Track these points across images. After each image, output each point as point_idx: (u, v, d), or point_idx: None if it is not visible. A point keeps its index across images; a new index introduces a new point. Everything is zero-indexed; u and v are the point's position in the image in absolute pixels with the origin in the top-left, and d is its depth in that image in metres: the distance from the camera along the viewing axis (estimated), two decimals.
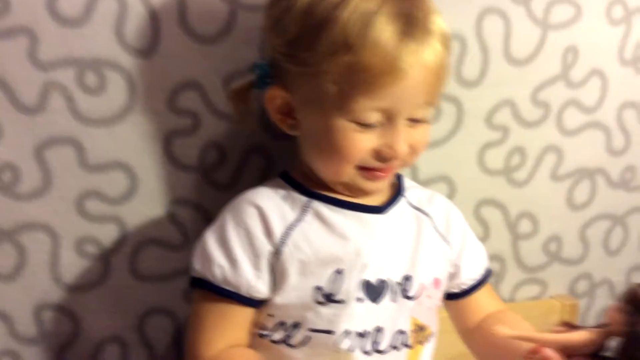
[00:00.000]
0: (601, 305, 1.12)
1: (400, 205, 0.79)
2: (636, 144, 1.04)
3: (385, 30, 0.66)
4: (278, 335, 0.74)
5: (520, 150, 0.99)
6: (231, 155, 0.87)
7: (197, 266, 0.74)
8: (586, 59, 0.96)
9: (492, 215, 1.01)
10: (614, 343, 0.60)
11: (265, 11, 0.75)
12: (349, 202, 0.76)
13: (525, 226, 1.03)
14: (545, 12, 0.92)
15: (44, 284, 0.85)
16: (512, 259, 1.04)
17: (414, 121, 0.72)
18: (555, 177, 1.01)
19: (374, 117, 0.69)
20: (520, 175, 1.00)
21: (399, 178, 0.83)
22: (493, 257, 1.02)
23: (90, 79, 0.80)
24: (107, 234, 0.86)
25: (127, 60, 0.80)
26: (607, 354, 0.60)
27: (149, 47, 0.80)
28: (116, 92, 0.81)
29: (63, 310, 0.87)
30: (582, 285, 1.09)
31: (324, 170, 0.75)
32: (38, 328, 0.86)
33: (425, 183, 0.95)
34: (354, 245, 0.74)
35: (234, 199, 0.77)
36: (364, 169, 0.73)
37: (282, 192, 0.76)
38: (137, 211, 0.86)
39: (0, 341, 0.86)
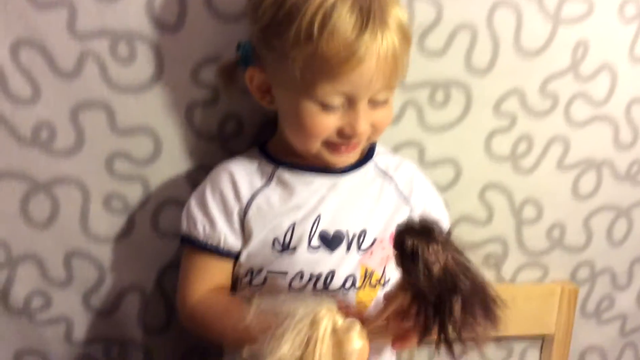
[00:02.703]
0: (601, 293, 1.15)
1: (366, 168, 0.88)
2: None
3: (343, 23, 0.73)
4: (246, 279, 0.84)
5: (527, 139, 1.02)
6: (248, 127, 0.94)
7: (184, 226, 0.86)
8: (596, 54, 0.99)
9: (496, 199, 1.05)
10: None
11: None
12: (310, 166, 0.84)
13: (529, 212, 1.06)
14: (557, 8, 0.95)
15: (74, 234, 0.93)
16: (515, 243, 1.08)
17: (376, 103, 0.79)
18: (561, 166, 1.04)
19: (336, 100, 0.77)
20: (527, 162, 1.03)
21: (371, 145, 0.90)
22: (496, 240, 1.07)
23: (122, 49, 0.87)
24: (133, 192, 0.94)
25: (156, 34, 0.87)
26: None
27: (176, 22, 0.87)
28: (145, 62, 0.88)
29: (90, 258, 0.95)
30: (583, 272, 1.12)
31: (296, 143, 0.83)
32: (67, 273, 0.95)
33: (432, 165, 1.00)
34: (309, 204, 0.83)
35: (215, 167, 0.87)
36: (329, 145, 0.81)
37: (255, 161, 0.87)
38: (160, 173, 0.94)
39: (33, 282, 0.94)
